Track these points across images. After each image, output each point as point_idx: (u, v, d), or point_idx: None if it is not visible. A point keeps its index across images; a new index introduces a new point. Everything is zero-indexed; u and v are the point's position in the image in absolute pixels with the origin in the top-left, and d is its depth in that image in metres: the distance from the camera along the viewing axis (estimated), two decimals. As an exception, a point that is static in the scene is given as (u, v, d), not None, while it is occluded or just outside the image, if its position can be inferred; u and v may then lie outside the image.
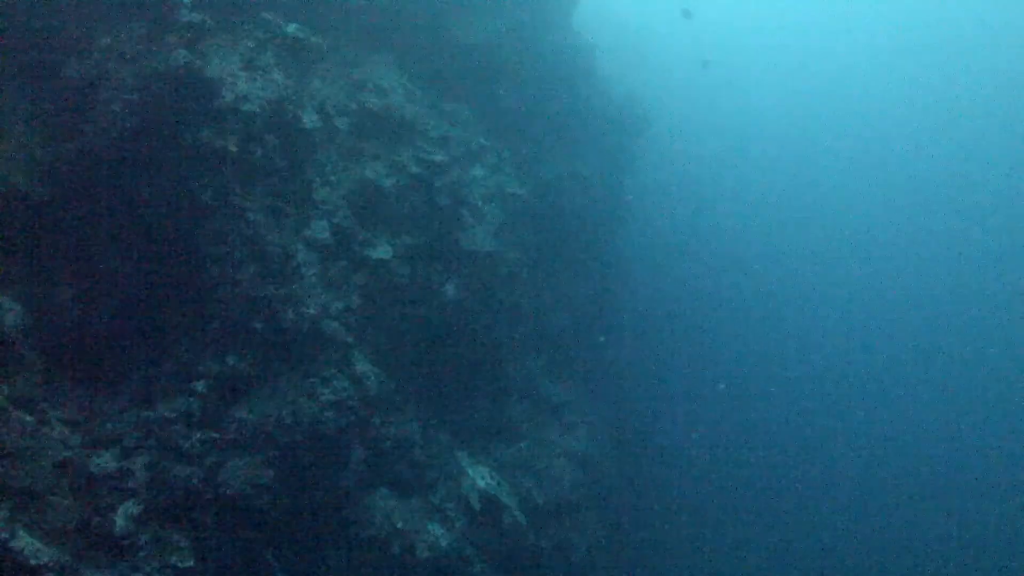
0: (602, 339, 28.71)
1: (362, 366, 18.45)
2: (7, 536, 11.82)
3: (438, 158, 21.70)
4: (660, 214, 45.48)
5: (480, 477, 20.31)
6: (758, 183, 65.62)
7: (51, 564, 12.32)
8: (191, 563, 14.59)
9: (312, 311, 17.78)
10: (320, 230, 18.78)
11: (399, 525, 18.61)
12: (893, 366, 54.33)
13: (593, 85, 32.46)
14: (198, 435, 15.74)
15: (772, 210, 63.98)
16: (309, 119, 19.13)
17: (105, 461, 14.50)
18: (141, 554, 14.15)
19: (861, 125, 75.12)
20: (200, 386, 16.18)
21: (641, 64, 48.17)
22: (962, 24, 76.25)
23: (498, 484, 20.57)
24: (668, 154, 47.69)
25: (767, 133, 70.65)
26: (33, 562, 12.05)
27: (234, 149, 17.20)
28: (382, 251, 19.77)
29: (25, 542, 12.00)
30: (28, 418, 13.13)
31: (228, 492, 15.56)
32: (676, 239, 48.72)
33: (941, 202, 70.81)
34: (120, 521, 14.12)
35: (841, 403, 49.09)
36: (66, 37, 16.94)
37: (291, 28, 19.63)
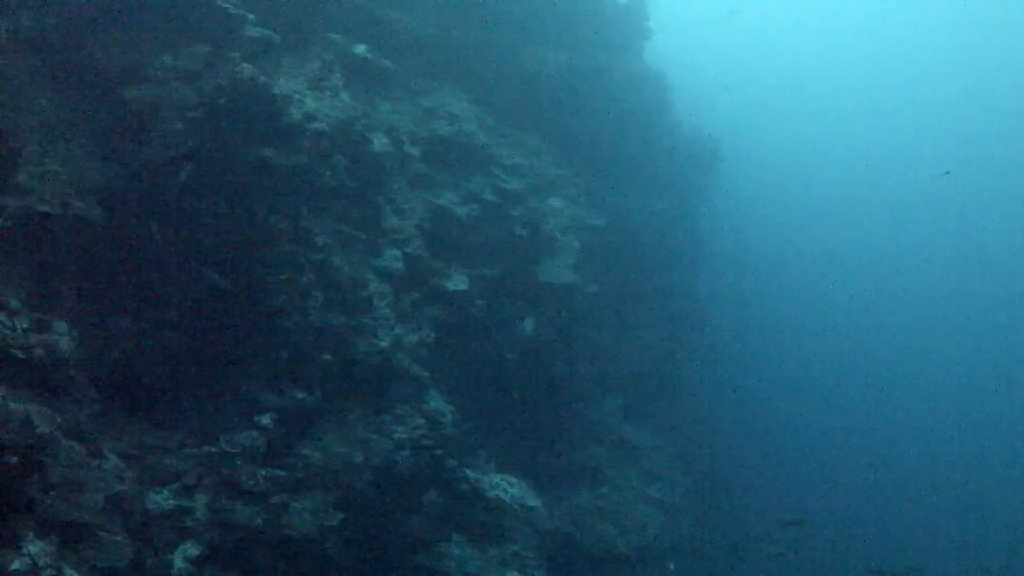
0: (679, 355, 27.34)
1: (436, 403, 17.32)
2: (53, 573, 10.71)
3: (514, 187, 20.71)
4: (735, 251, 44.14)
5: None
6: (826, 216, 64.19)
7: (101, 608, 11.23)
8: (253, 610, 13.50)
9: (384, 344, 16.71)
10: (392, 259, 17.80)
11: (475, 574, 17.31)
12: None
13: (664, 118, 31.44)
14: (262, 473, 14.62)
15: (848, 243, 62.48)
16: (379, 143, 18.23)
17: (163, 498, 13.42)
18: (199, 599, 13.07)
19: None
20: (265, 420, 15.10)
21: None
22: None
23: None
24: (738, 189, 46.36)
25: (836, 160, 69.32)
26: (81, 604, 10.94)
27: (302, 169, 16.23)
28: (458, 282, 18.71)
29: (72, 581, 10.91)
30: (79, 448, 12.06)
31: (293, 534, 14.41)
32: (752, 277, 47.29)
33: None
34: (178, 562, 13.02)
35: (938, 448, 46.98)
36: (127, 61, 16.11)
37: (360, 49, 18.83)
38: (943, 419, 50.69)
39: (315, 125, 16.49)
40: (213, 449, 14.52)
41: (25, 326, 12.26)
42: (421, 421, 16.69)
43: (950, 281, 63.12)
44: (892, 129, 75.05)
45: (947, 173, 59.16)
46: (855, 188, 68.84)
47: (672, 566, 21.55)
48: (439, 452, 16.86)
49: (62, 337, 12.73)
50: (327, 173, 16.68)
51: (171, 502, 13.51)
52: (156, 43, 16.26)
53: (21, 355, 11.89)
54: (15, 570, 10.35)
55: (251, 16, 16.68)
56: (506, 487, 18.45)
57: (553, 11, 25.23)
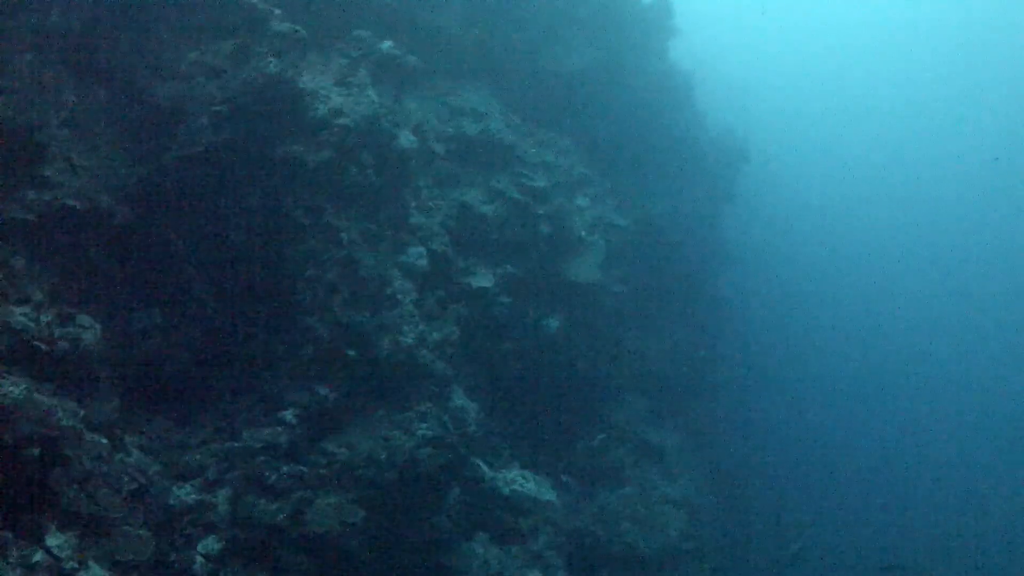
0: (703, 353, 27.15)
1: (461, 401, 17.21)
2: (75, 566, 10.67)
3: (540, 185, 20.56)
4: (761, 253, 43.82)
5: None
6: (859, 218, 63.67)
7: (124, 603, 11.17)
8: (275, 607, 13.42)
9: (409, 341, 16.58)
10: (417, 256, 17.67)
11: (498, 573, 17.20)
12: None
13: (690, 118, 31.24)
14: (285, 469, 14.54)
15: (874, 243, 61.96)
16: (405, 139, 18.10)
17: (185, 493, 13.38)
18: (221, 595, 13.02)
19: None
20: (288, 416, 15.03)
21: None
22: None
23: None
24: (764, 190, 45.98)
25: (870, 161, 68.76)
26: (103, 598, 10.89)
27: (328, 165, 16.17)
28: (482, 280, 18.61)
29: (95, 574, 10.83)
30: (102, 442, 12.04)
31: (316, 531, 14.30)
32: (777, 277, 46.94)
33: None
34: (199, 558, 12.97)
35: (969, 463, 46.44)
36: (154, 57, 16.09)
37: (386, 46, 18.74)
38: (966, 418, 50.22)
39: (341, 121, 16.40)
40: (236, 445, 14.49)
41: (49, 319, 12.24)
42: (445, 419, 16.57)
43: (974, 280, 62.49)
44: (915, 129, 74.44)
45: (996, 160, 58.63)
46: (881, 189, 68.31)
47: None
48: (463, 450, 16.74)
49: (86, 331, 12.74)
50: (353, 169, 16.59)
51: (193, 497, 13.47)
52: (183, 39, 16.26)
53: (45, 348, 11.88)
54: (37, 563, 10.32)
55: (277, 11, 16.66)
56: (522, 482, 18.28)
57: (578, 10, 25.08)
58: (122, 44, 15.90)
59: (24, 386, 11.05)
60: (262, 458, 14.46)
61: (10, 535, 10.29)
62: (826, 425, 43.59)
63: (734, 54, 58.55)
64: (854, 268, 59.04)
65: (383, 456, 15.46)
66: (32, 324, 11.98)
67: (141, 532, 11.93)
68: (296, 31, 16.64)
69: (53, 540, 10.67)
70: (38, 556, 10.38)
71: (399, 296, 16.87)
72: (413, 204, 18.24)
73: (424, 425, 16.21)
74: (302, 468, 14.74)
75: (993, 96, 75.48)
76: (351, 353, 15.89)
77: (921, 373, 52.92)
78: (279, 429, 14.86)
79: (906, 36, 78.80)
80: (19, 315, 11.85)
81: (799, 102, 69.28)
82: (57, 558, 10.53)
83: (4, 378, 10.94)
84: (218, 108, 15.58)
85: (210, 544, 13.21)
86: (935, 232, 66.91)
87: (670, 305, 26.60)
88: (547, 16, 24.33)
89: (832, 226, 61.38)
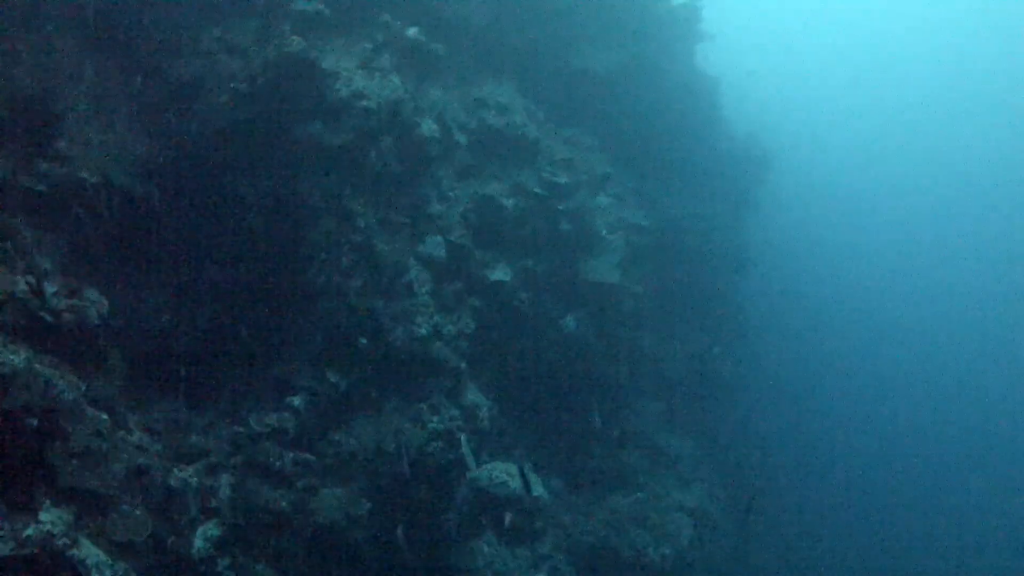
0: (716, 350, 26.71)
1: (473, 396, 16.87)
2: (67, 543, 10.29)
3: (562, 181, 20.16)
4: (779, 259, 43.40)
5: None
6: (871, 221, 63.20)
7: (115, 582, 10.78)
8: (274, 596, 13.07)
9: (423, 331, 16.26)
10: (435, 246, 17.35)
11: (504, 573, 16.82)
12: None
13: (715, 123, 30.89)
14: (291, 456, 14.21)
15: (900, 253, 61.44)
16: (427, 127, 17.76)
17: (187, 475, 12.97)
18: (219, 582, 12.67)
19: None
20: (297, 402, 14.67)
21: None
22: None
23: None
24: (784, 195, 45.59)
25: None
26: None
27: (347, 148, 15.83)
28: (500, 273, 18.25)
29: (88, 552, 10.47)
30: (103, 418, 11.68)
31: (320, 521, 14.00)
32: (795, 287, 46.53)
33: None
34: (198, 542, 12.60)
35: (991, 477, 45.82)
36: (175, 33, 15.83)
37: (412, 32, 18.41)
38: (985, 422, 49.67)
39: (363, 103, 16.07)
40: (242, 429, 14.14)
41: (55, 290, 11.91)
42: (456, 413, 16.23)
43: (996, 281, 61.88)
44: (937, 133, 73.92)
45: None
46: (903, 197, 67.84)
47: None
48: (473, 446, 16.38)
49: (93, 305, 12.37)
50: (372, 154, 16.26)
51: (195, 480, 13.09)
52: (205, 16, 16.01)
53: (49, 319, 11.54)
54: (28, 536, 9.96)
55: (303, -9, 16.41)
56: (506, 479, 17.72)
57: (606, 10, 24.78)
58: (143, 19, 15.65)
59: (25, 355, 10.70)
60: (268, 443, 14.11)
61: (3, 507, 9.95)
62: (844, 431, 43.22)
63: (759, 58, 58.36)
64: (873, 275, 58.65)
65: (392, 448, 15.14)
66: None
67: (138, 512, 11.57)
68: (320, 11, 16.37)
69: (47, 515, 10.31)
70: (30, 530, 10.03)
71: (415, 286, 16.54)
72: (433, 193, 17.90)
73: (435, 418, 15.89)
74: (308, 456, 14.40)
75: (1019, 97, 74.74)
76: (363, 341, 15.55)
77: (940, 377, 52.45)
78: (286, 415, 14.51)
79: (933, 38, 78.29)
80: (23, 284, 11.50)
81: (823, 107, 69.05)
82: (50, 534, 10.17)
83: (5, 346, 10.61)
84: (238, 86, 15.29)
85: (210, 529, 12.86)
86: (958, 239, 66.38)
87: (688, 309, 26.27)
88: (576, 14, 24.04)
89: (851, 232, 61.00)
